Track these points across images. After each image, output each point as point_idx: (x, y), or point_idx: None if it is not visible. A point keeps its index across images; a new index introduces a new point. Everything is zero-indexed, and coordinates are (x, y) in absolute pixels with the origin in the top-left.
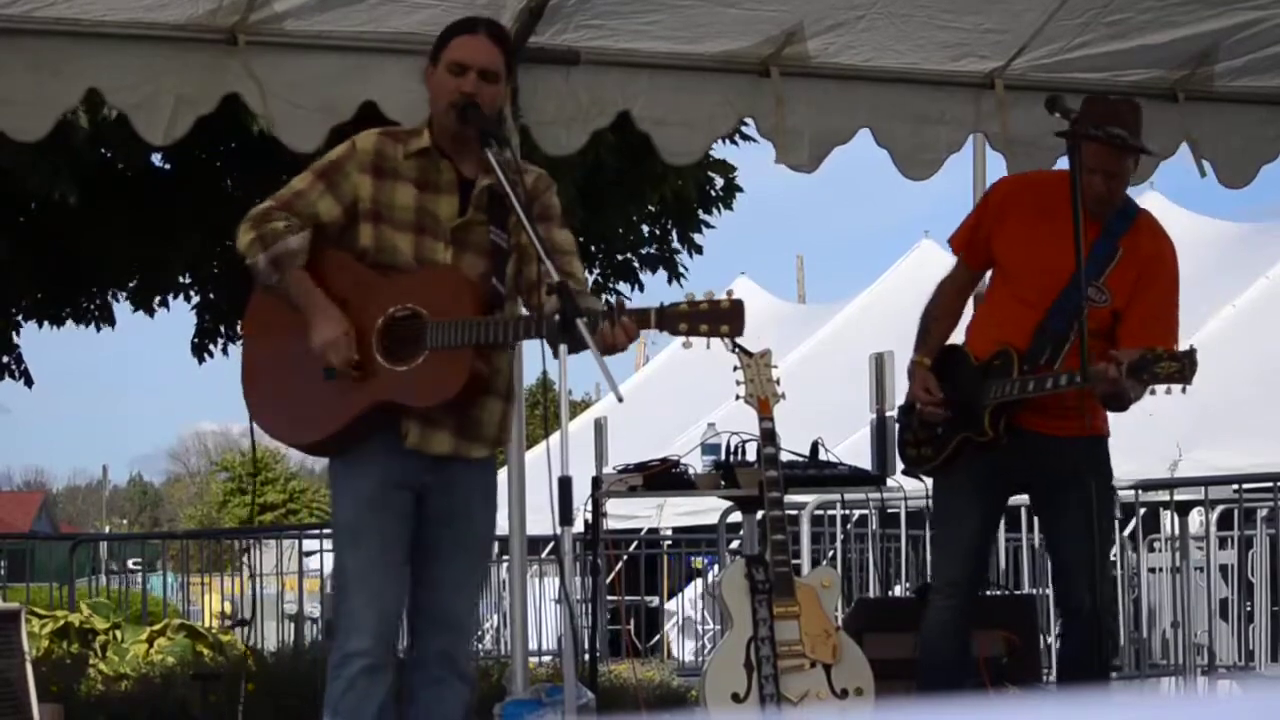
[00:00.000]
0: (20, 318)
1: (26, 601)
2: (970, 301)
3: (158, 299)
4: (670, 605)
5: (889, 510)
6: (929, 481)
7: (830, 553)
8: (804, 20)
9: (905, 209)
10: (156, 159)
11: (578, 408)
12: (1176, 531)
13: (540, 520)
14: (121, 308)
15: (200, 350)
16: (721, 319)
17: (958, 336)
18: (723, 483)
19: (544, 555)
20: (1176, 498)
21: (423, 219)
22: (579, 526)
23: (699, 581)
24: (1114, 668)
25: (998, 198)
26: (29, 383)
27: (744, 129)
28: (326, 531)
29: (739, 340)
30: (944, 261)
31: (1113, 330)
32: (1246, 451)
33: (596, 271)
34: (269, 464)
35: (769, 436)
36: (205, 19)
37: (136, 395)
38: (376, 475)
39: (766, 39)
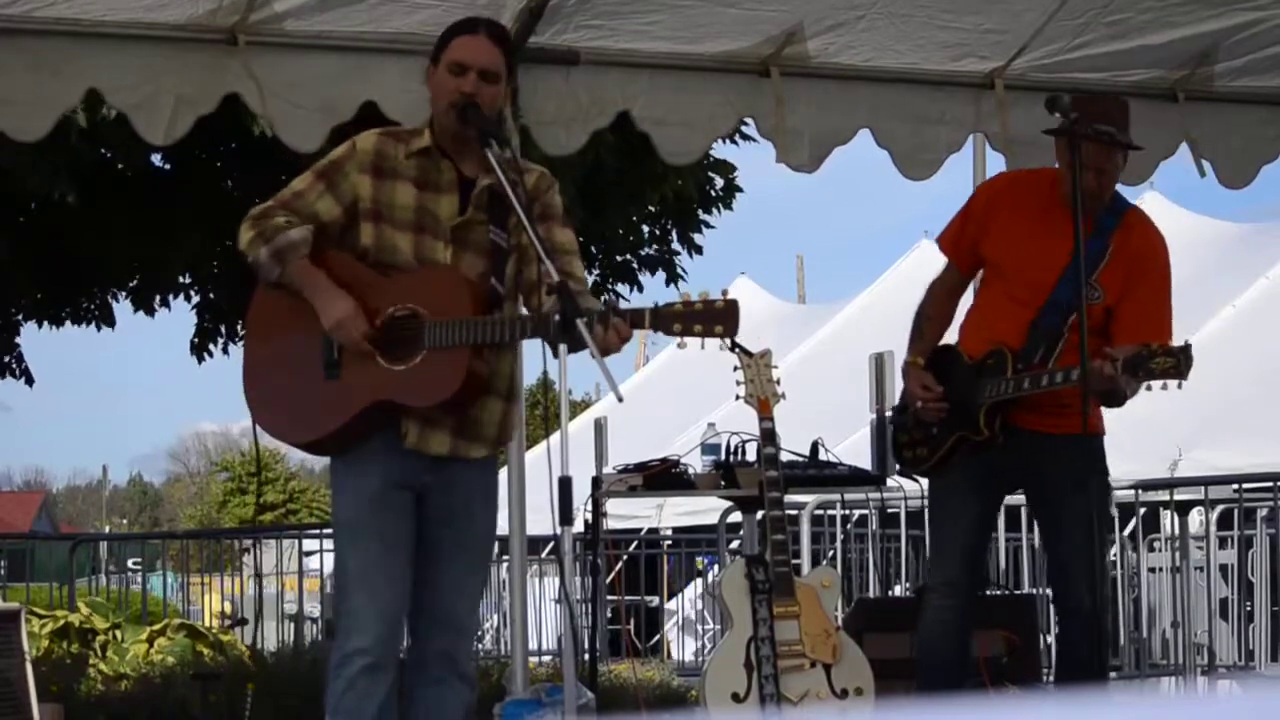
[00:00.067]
0: (20, 318)
1: (26, 601)
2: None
3: (158, 299)
4: (670, 605)
5: (889, 510)
6: (926, 482)
7: (830, 553)
8: (804, 20)
9: (905, 209)
10: (156, 159)
11: (578, 408)
12: (1176, 531)
13: (540, 520)
14: (121, 308)
15: (200, 350)
16: (716, 319)
17: (950, 337)
18: (723, 483)
19: (544, 555)
20: (1176, 498)
21: (423, 218)
22: (579, 526)
23: (699, 581)
24: (1113, 667)
25: (983, 200)
26: (29, 382)
27: (744, 129)
28: (327, 531)
29: (739, 340)
30: (943, 261)
31: (1106, 327)
32: (1246, 451)
33: (596, 272)
34: (269, 464)
35: (769, 436)
36: (205, 19)
37: (136, 395)
38: (377, 474)
39: (766, 39)
